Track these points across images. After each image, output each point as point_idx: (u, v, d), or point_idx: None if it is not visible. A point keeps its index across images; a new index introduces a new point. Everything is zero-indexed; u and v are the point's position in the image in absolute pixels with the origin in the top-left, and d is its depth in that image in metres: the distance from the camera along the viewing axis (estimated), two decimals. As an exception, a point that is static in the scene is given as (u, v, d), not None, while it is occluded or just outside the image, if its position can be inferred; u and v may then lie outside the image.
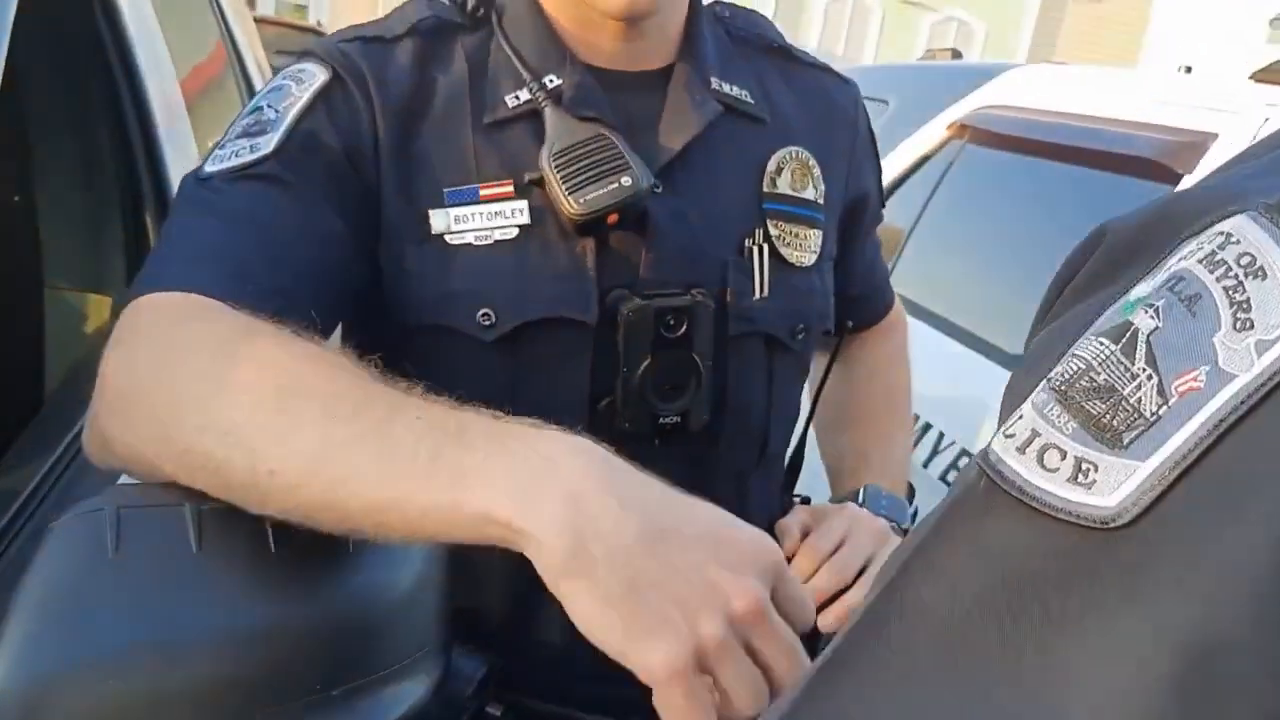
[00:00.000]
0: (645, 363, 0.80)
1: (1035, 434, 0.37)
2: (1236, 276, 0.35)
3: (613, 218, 0.78)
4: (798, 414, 0.98)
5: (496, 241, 0.79)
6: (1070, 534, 0.34)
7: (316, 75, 0.79)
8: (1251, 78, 1.93)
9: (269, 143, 0.74)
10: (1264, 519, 0.32)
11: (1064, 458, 0.36)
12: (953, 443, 1.94)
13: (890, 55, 20.54)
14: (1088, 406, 0.36)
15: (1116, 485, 0.34)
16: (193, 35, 1.87)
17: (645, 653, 0.48)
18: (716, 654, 0.49)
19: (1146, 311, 0.37)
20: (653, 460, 0.80)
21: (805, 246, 0.90)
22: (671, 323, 0.81)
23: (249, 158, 0.74)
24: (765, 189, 0.90)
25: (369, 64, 0.81)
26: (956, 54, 3.17)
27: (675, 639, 0.48)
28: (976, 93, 2.47)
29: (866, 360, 1.12)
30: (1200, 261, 0.36)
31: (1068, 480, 0.35)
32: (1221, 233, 0.36)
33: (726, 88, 0.90)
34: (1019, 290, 2.21)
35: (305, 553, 0.57)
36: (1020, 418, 0.38)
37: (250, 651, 0.54)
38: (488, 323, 0.79)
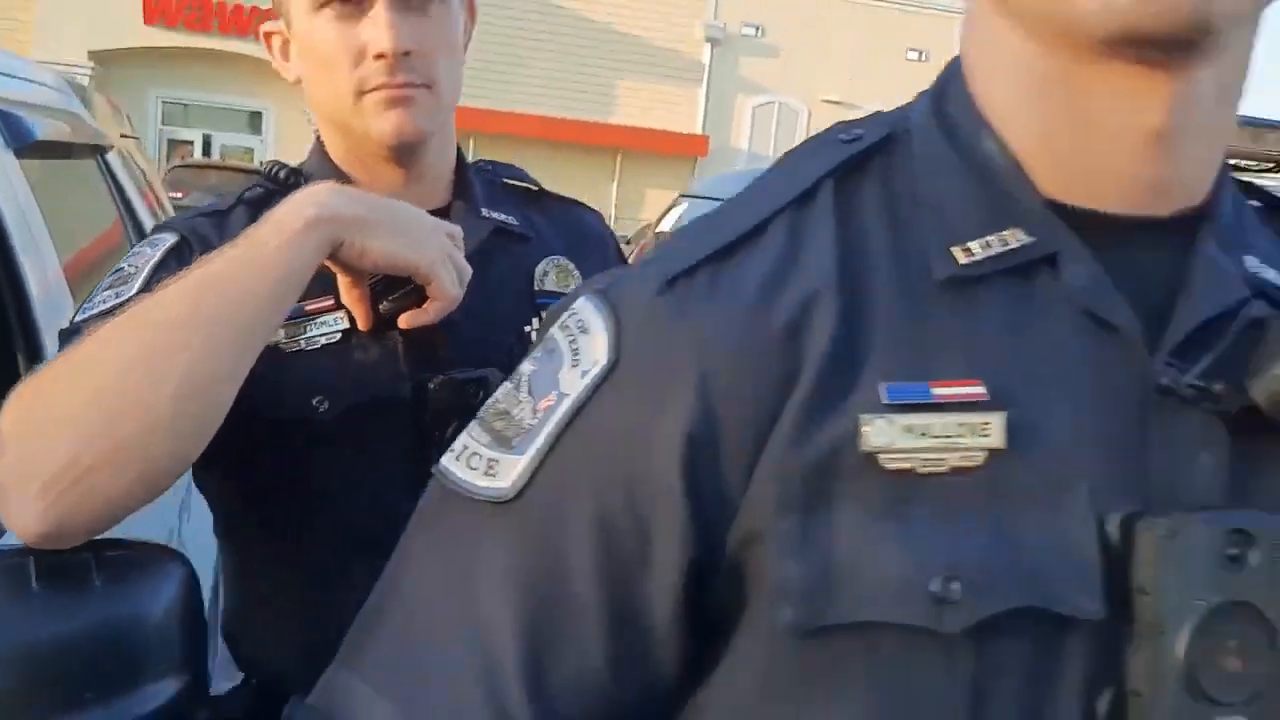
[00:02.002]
0: (453, 428, 0.92)
1: (465, 446, 0.60)
2: (572, 332, 0.59)
3: (401, 318, 0.99)
4: None
5: (323, 346, 1.01)
6: (489, 507, 0.57)
7: (166, 239, 1.02)
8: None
9: (130, 289, 0.95)
10: (591, 478, 0.55)
11: (481, 459, 0.59)
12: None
13: (822, 153, 21.15)
14: (494, 424, 0.60)
15: (509, 473, 0.57)
16: (82, 216, 2.10)
17: (425, 252, 0.93)
18: (449, 252, 0.96)
19: (531, 361, 0.60)
20: None
21: None
22: (474, 392, 0.99)
23: (114, 302, 0.94)
24: (536, 288, 1.14)
25: (214, 231, 1.03)
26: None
27: (435, 245, 0.94)
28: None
29: None
30: (559, 327, 0.60)
31: (484, 474, 0.58)
32: (571, 309, 0.60)
33: (496, 215, 1.16)
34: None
35: (59, 588, 0.79)
36: (462, 437, 0.61)
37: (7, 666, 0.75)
38: (323, 408, 1.00)
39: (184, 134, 18.16)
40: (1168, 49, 0.50)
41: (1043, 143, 0.57)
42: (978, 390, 0.53)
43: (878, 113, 0.65)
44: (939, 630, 0.51)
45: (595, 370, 0.56)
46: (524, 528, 0.56)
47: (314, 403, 1.00)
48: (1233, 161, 2.13)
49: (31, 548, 0.80)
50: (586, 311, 0.58)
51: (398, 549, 0.61)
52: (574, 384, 0.56)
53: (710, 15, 21.10)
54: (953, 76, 0.62)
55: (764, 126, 21.56)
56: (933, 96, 0.63)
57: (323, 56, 1.02)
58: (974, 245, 0.56)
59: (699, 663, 0.57)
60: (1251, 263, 0.60)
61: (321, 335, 1.01)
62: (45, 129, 1.81)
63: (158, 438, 0.79)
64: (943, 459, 0.52)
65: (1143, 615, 0.51)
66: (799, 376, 0.53)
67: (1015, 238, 0.56)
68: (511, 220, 1.17)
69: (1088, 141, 0.56)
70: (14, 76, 1.84)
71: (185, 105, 18.02)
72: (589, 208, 1.31)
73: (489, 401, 0.61)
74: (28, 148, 1.68)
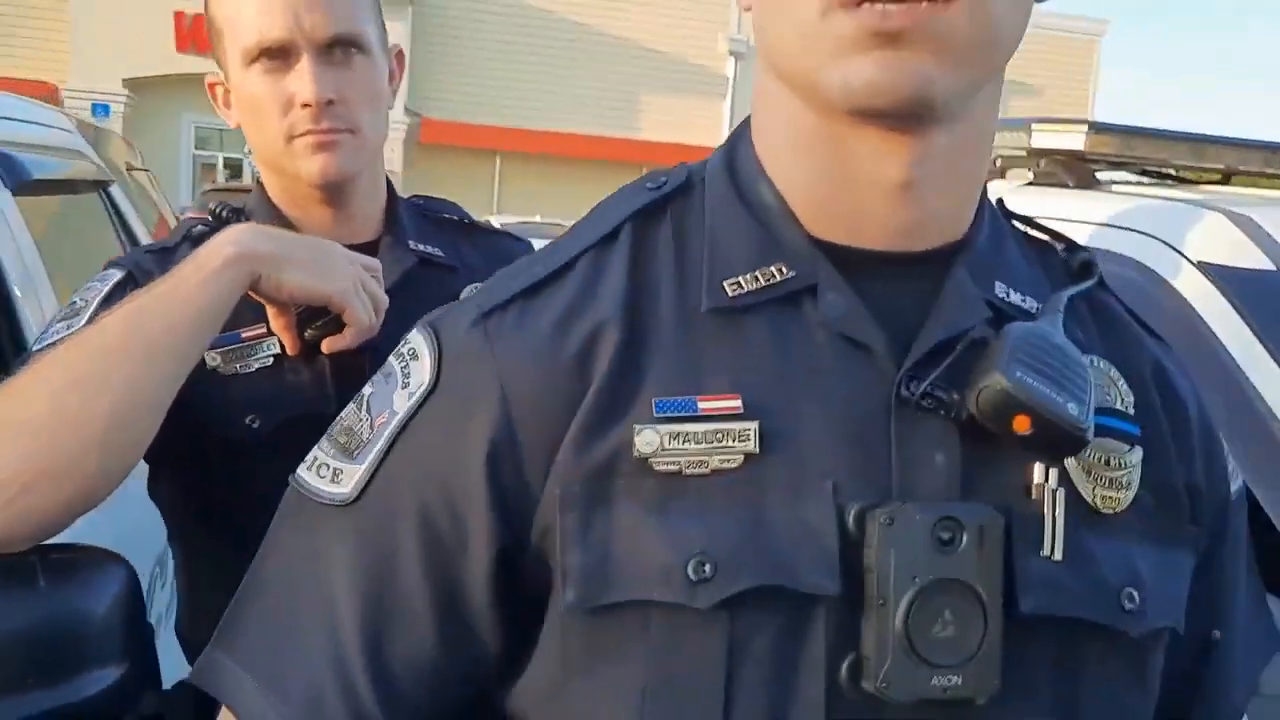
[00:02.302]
0: None
1: (315, 458, 0.70)
2: (405, 359, 0.69)
3: (324, 344, 1.09)
4: None
5: (257, 369, 1.12)
6: (334, 509, 0.67)
7: (114, 275, 1.13)
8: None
9: (80, 321, 1.05)
10: (415, 482, 0.64)
11: (328, 469, 0.69)
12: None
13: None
14: (340, 439, 0.69)
15: (350, 480, 0.67)
16: (83, 249, 2.22)
17: (336, 284, 1.03)
18: (362, 282, 1.06)
19: (371, 384, 0.70)
20: None
21: None
22: None
23: (65, 334, 1.04)
24: None
25: (157, 266, 1.14)
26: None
27: (346, 277, 1.04)
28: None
29: None
30: (395, 355, 0.70)
31: (330, 481, 0.68)
32: (407, 339, 0.70)
33: (423, 247, 1.26)
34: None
35: (8, 587, 0.89)
36: (314, 450, 0.71)
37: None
38: (255, 425, 1.10)
39: (218, 157, 18.53)
40: (901, 120, 0.60)
41: (810, 190, 0.67)
42: (735, 404, 0.62)
43: (682, 163, 0.74)
44: (694, 605, 0.60)
45: (420, 391, 0.66)
46: (362, 526, 0.66)
47: (247, 421, 1.10)
48: (1187, 176, 2.20)
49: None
50: (417, 341, 0.68)
51: (262, 548, 0.71)
52: (403, 403, 0.66)
53: (734, 29, 21.21)
54: (743, 133, 0.71)
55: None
56: (726, 150, 0.72)
57: (255, 106, 1.13)
58: (744, 279, 0.66)
59: (520, 651, 0.66)
60: (1000, 288, 0.69)
61: (256, 360, 1.12)
62: (43, 167, 1.93)
63: (92, 455, 0.89)
64: (705, 461, 0.62)
65: (870, 591, 0.60)
66: (586, 394, 0.63)
67: (780, 272, 0.66)
68: (437, 252, 1.26)
69: (846, 189, 0.65)
70: (16, 119, 1.97)
71: (217, 130, 18.37)
72: (518, 238, 1.41)
73: (336, 420, 0.71)
74: (25, 185, 1.80)
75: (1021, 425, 0.61)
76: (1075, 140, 1.94)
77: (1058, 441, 0.62)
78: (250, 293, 1.01)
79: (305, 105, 1.10)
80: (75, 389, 0.90)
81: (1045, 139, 2.00)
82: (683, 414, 0.62)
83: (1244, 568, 0.81)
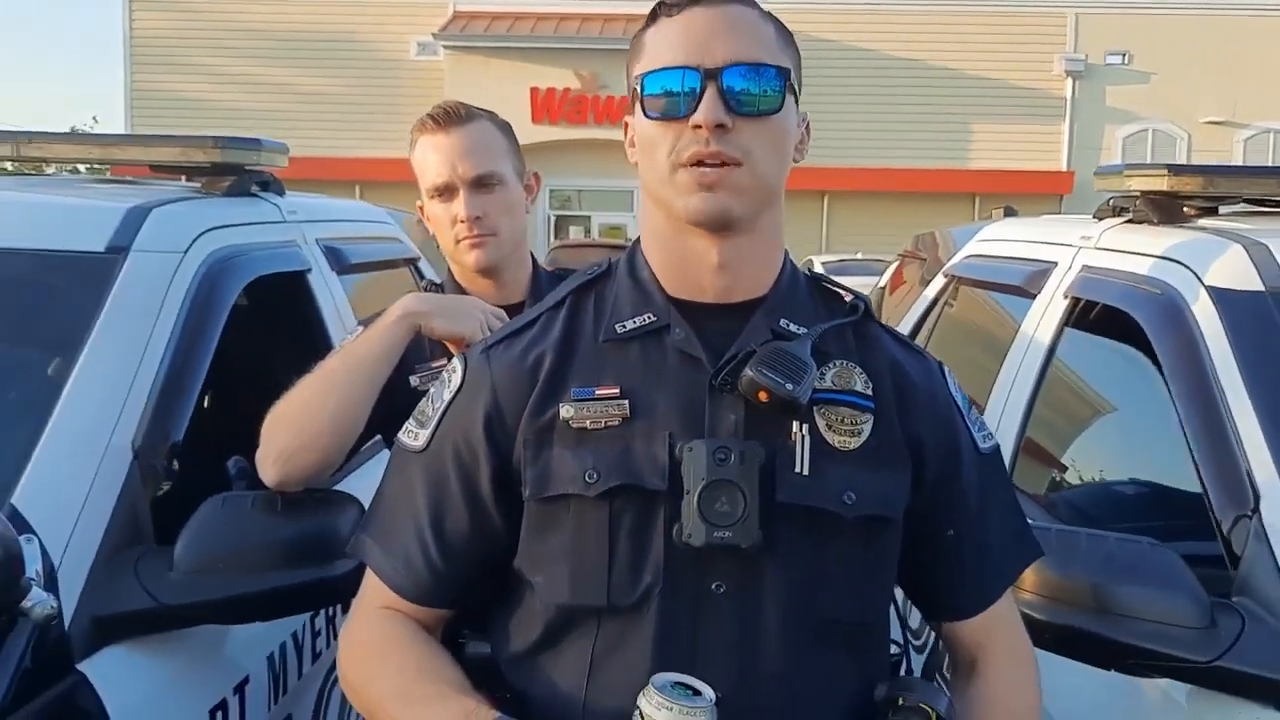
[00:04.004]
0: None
1: (407, 427, 1.28)
2: (450, 372, 1.27)
3: None
4: None
5: None
6: (414, 454, 1.25)
7: (359, 329, 1.83)
8: (1095, 215, 2.59)
9: None
10: (452, 436, 1.23)
11: (412, 433, 1.27)
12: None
13: (1205, 178, 19.82)
14: (419, 416, 1.27)
15: (423, 437, 1.25)
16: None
17: (468, 326, 1.60)
18: (488, 324, 1.61)
19: (435, 385, 1.29)
20: None
21: None
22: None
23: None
24: None
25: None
26: (1010, 211, 3.78)
27: (475, 320, 1.62)
28: (967, 245, 3.20)
29: None
30: (447, 370, 1.28)
31: (413, 439, 1.26)
32: (452, 362, 1.29)
33: None
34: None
35: (291, 510, 1.57)
36: (408, 422, 1.30)
37: (267, 549, 1.55)
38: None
39: (570, 214, 20.45)
40: (715, 229, 1.13)
41: (668, 268, 1.20)
42: (615, 391, 1.16)
43: (609, 256, 1.28)
44: (588, 495, 1.14)
45: (454, 388, 1.23)
46: (428, 462, 1.23)
47: None
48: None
49: (276, 490, 1.58)
50: (456, 362, 1.25)
51: (382, 478, 1.29)
52: (448, 395, 1.24)
53: (1070, 48, 20.57)
54: (639, 237, 1.25)
55: (1137, 156, 20.51)
56: (630, 248, 1.26)
57: (437, 223, 1.79)
58: (628, 322, 1.19)
59: (515, 529, 1.20)
60: (784, 322, 1.17)
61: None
62: (361, 253, 2.73)
63: (323, 438, 1.56)
64: (600, 420, 1.16)
65: (683, 487, 1.11)
66: (535, 387, 1.18)
67: (648, 317, 1.19)
68: None
69: (687, 266, 1.18)
70: (343, 220, 2.79)
71: (576, 191, 20.31)
72: None
73: (418, 405, 1.28)
74: (347, 267, 2.59)
75: (763, 397, 1.11)
76: (1159, 182, 2.22)
77: (781, 405, 1.11)
78: (424, 335, 1.64)
79: (462, 221, 1.73)
80: (315, 396, 1.57)
81: (1136, 182, 2.29)
82: (587, 397, 1.17)
83: (1000, 496, 1.25)
